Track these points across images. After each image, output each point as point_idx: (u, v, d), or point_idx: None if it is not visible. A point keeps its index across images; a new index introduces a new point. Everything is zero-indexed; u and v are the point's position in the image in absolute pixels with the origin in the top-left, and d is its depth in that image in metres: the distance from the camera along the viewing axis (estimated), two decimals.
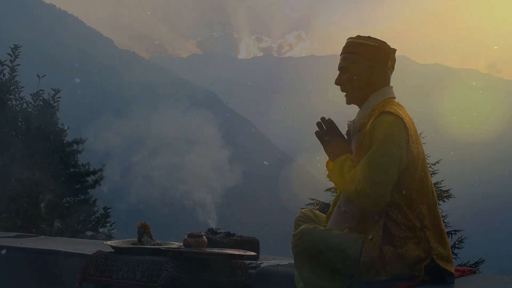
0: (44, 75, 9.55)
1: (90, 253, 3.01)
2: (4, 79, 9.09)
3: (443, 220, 2.45)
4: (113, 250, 2.98)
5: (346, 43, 2.48)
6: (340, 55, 2.49)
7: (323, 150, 2.48)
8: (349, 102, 2.50)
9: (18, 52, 9.14)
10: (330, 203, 2.63)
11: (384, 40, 2.44)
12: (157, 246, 2.97)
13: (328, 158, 2.49)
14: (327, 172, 2.52)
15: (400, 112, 2.30)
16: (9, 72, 9.11)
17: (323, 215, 2.66)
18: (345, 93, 2.49)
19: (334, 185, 2.61)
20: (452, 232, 11.22)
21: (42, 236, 5.11)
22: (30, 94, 9.42)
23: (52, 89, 9.64)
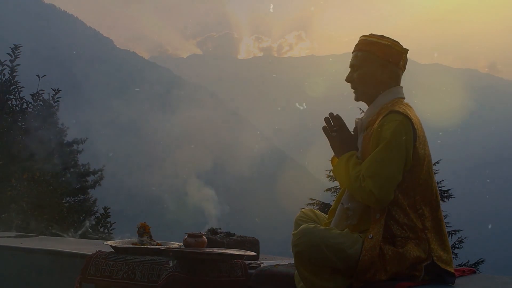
0: (44, 75, 9.53)
1: (90, 253, 3.00)
2: (4, 79, 9.09)
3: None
4: (113, 250, 2.98)
5: (359, 41, 2.49)
6: (352, 52, 2.50)
7: (329, 146, 2.48)
8: (357, 99, 2.51)
9: (18, 52, 9.13)
10: (333, 201, 2.63)
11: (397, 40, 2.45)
12: (157, 246, 2.97)
13: (334, 153, 2.50)
14: (332, 167, 2.52)
15: (408, 112, 2.31)
16: (9, 72, 9.11)
17: (324, 214, 2.67)
18: (354, 90, 2.50)
19: (338, 181, 2.59)
20: (452, 232, 11.25)
21: (42, 236, 5.10)
22: (30, 94, 9.42)
23: (52, 89, 9.63)
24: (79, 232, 5.53)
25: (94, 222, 9.03)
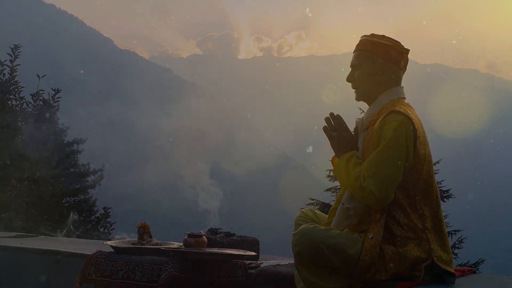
0: (44, 75, 9.54)
1: (90, 253, 3.00)
2: (4, 79, 9.08)
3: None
4: (113, 250, 2.98)
5: (360, 40, 2.49)
6: (353, 52, 2.50)
7: (330, 145, 2.48)
8: (358, 98, 2.52)
9: (18, 52, 9.13)
10: (333, 201, 2.63)
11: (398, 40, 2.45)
12: (157, 246, 2.97)
13: (334, 153, 2.50)
14: (332, 167, 2.52)
15: (409, 112, 2.31)
16: (9, 72, 9.11)
17: (324, 214, 2.67)
18: (355, 90, 2.50)
19: (338, 181, 2.59)
20: (452, 232, 11.24)
21: (42, 236, 5.10)
22: (30, 94, 9.42)
23: (52, 89, 9.63)
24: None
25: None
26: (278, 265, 2.86)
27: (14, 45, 9.15)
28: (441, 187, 11.39)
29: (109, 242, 3.10)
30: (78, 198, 10.32)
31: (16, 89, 9.20)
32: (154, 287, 2.67)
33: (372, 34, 2.47)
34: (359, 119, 2.50)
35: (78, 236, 5.71)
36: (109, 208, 9.74)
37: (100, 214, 9.82)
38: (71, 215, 5.83)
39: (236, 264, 2.92)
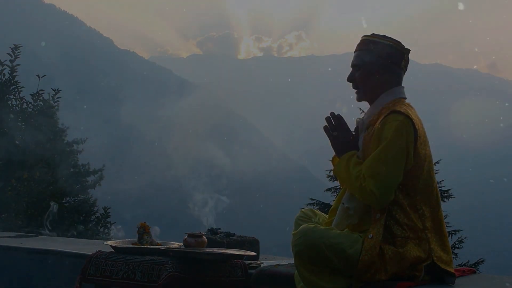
0: (44, 75, 9.52)
1: (90, 253, 3.01)
2: (4, 79, 9.08)
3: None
4: (113, 250, 2.98)
5: (361, 40, 2.49)
6: (354, 52, 2.50)
7: (330, 145, 2.48)
8: (359, 99, 2.52)
9: (18, 52, 9.11)
10: (333, 201, 2.63)
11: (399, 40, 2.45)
12: (157, 246, 2.97)
13: (334, 153, 2.50)
14: (333, 167, 2.52)
15: (410, 112, 2.31)
16: (9, 72, 9.10)
17: (324, 214, 2.67)
18: (356, 90, 2.50)
19: (339, 181, 2.60)
20: (452, 232, 11.24)
21: (42, 236, 5.09)
22: (30, 94, 9.40)
23: (52, 89, 9.62)
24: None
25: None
26: (278, 265, 2.86)
27: (14, 45, 9.14)
28: (441, 187, 11.39)
29: (109, 242, 3.10)
30: (78, 198, 10.30)
31: (16, 89, 9.19)
32: (154, 287, 2.67)
33: (373, 34, 2.48)
34: (359, 119, 2.50)
35: (78, 236, 5.70)
36: (109, 208, 9.73)
37: (100, 214, 9.81)
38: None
39: (236, 264, 2.92)
